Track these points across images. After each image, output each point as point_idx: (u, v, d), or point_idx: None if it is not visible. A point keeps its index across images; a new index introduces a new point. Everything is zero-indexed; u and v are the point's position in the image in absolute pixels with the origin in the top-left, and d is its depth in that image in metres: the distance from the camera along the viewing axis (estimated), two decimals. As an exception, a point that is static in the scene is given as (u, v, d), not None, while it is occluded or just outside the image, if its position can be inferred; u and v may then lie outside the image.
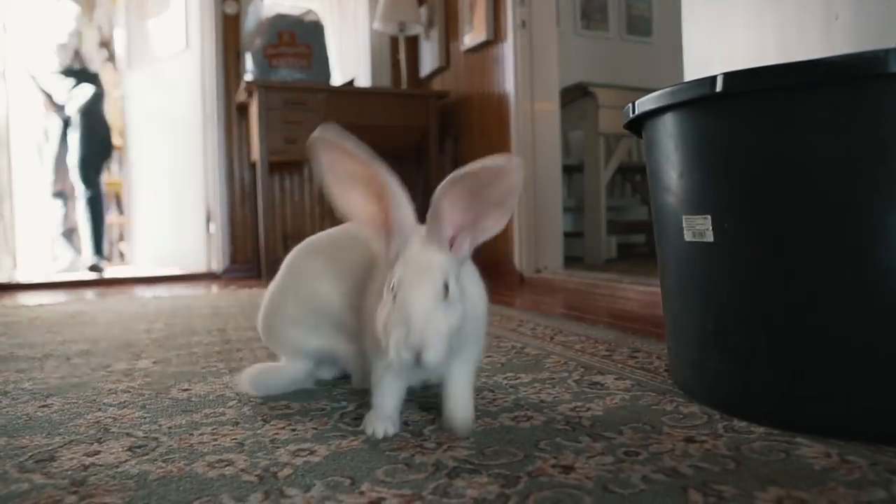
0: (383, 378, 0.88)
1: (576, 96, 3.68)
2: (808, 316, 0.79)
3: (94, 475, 0.74)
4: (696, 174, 0.90)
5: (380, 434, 0.85)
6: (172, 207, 4.07)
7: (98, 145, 3.97)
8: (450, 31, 3.82)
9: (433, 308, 0.75)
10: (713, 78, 0.82)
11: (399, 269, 0.78)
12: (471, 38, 3.48)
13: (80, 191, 3.94)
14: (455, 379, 0.89)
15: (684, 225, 0.92)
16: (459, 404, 0.88)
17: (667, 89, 0.90)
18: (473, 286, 0.89)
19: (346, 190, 0.82)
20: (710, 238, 0.88)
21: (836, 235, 0.76)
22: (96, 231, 3.95)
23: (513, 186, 0.77)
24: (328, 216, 4.15)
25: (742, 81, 0.81)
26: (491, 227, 0.81)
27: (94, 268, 3.88)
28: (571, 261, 3.42)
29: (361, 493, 0.67)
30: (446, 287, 0.77)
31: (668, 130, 0.95)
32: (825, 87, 0.75)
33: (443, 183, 0.76)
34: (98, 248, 3.96)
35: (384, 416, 0.87)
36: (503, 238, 3.32)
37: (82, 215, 3.96)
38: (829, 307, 0.78)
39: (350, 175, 0.81)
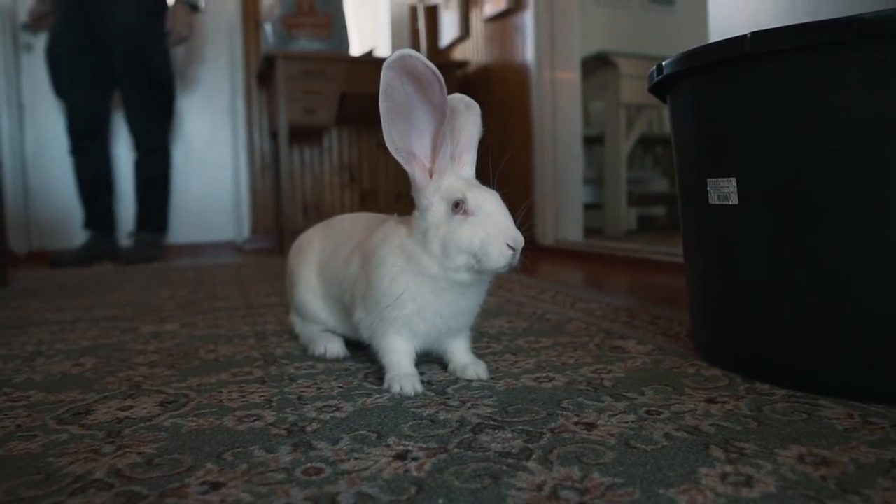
0: (395, 343, 0.91)
1: (597, 66, 3.64)
2: (832, 279, 0.79)
3: (129, 427, 0.76)
4: (721, 136, 0.89)
5: (409, 391, 0.86)
6: (198, 177, 4.10)
7: None
8: (470, 1, 3.78)
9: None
10: (741, 38, 0.81)
11: (467, 193, 0.84)
12: (491, 6, 3.44)
13: None
14: (459, 343, 0.98)
15: (709, 188, 0.91)
16: (471, 357, 0.97)
17: (692, 50, 0.89)
18: None
19: (399, 119, 0.84)
20: (734, 200, 0.87)
21: (864, 197, 0.76)
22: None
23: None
24: (347, 186, 4.16)
25: (770, 40, 0.79)
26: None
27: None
28: (591, 233, 3.41)
29: (388, 446, 0.68)
30: None
31: (693, 92, 0.94)
32: (856, 45, 0.74)
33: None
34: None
35: (408, 374, 0.89)
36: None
37: None
38: (853, 270, 0.77)
39: (408, 102, 0.83)
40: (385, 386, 0.89)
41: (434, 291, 0.87)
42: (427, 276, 0.86)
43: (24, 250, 3.65)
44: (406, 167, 0.86)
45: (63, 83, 3.18)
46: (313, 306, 1.10)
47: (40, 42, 3.69)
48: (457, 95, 0.91)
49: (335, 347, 1.08)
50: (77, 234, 3.80)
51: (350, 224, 1.09)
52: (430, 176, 0.86)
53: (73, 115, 3.22)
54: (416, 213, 0.88)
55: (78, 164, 3.30)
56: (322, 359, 1.07)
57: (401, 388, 0.87)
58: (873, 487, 0.56)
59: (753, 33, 0.80)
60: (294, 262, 1.15)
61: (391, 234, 0.91)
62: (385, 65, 0.79)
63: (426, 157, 0.86)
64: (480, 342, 1.17)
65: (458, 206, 0.83)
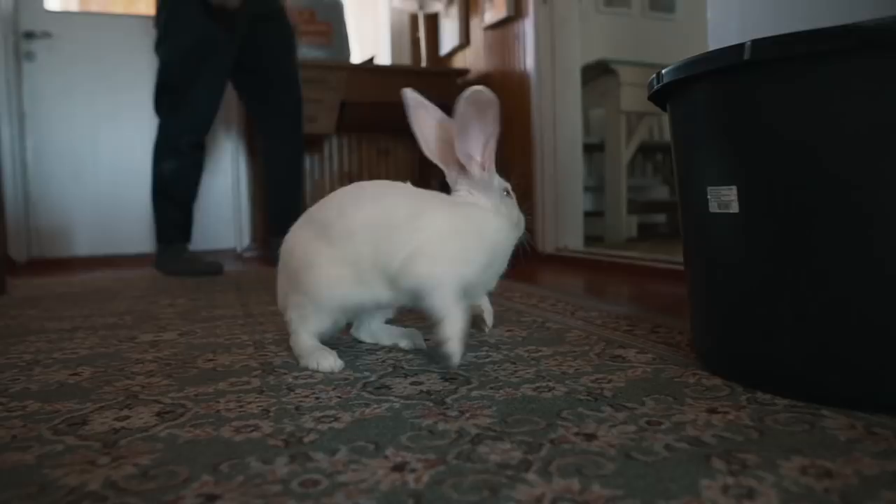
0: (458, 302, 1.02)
1: (597, 74, 3.64)
2: (834, 288, 0.78)
3: (125, 438, 0.76)
4: (721, 144, 0.89)
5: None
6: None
7: None
8: (470, 8, 3.79)
9: None
10: (741, 45, 0.81)
11: (501, 181, 1.12)
12: (491, 14, 3.45)
13: None
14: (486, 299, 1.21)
15: (709, 196, 0.91)
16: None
17: (692, 58, 0.89)
18: None
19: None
20: (735, 209, 0.87)
21: (865, 206, 0.75)
22: None
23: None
24: (348, 195, 4.16)
25: (770, 49, 0.79)
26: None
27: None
28: (591, 240, 3.40)
29: (386, 457, 0.68)
30: None
31: (693, 100, 0.94)
32: (858, 53, 0.74)
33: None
34: None
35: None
36: (523, 217, 3.31)
37: None
38: (856, 279, 0.77)
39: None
40: (450, 336, 0.99)
41: (500, 252, 1.11)
42: (501, 237, 1.10)
43: (24, 258, 3.65)
44: (467, 166, 1.07)
45: (196, 83, 2.74)
46: (342, 287, 1.05)
47: (41, 50, 3.70)
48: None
49: (329, 362, 1.05)
50: (77, 243, 3.81)
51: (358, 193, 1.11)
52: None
53: (195, 120, 2.81)
54: (464, 195, 1.10)
55: (183, 172, 2.85)
56: (316, 371, 1.05)
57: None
58: (877, 500, 0.56)
59: (753, 41, 0.80)
60: (308, 245, 1.08)
61: (470, 203, 1.09)
62: (463, 99, 1.00)
63: (481, 158, 1.08)
64: (480, 351, 1.16)
65: (507, 192, 1.13)
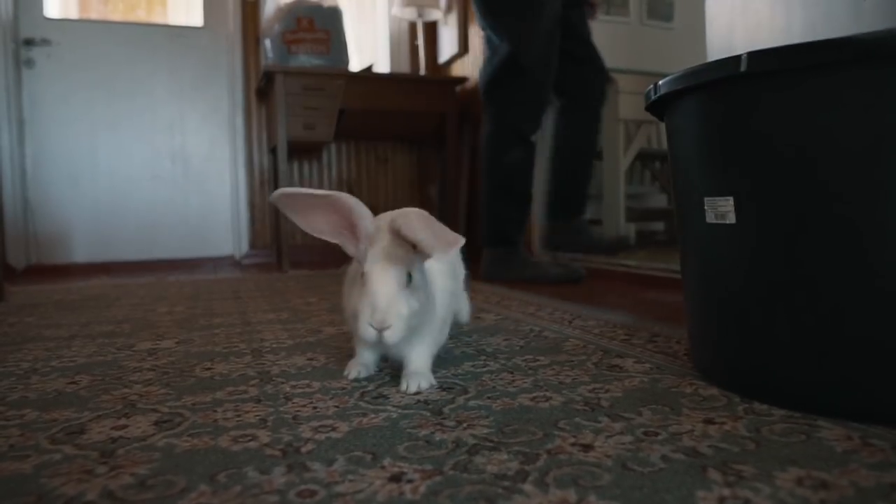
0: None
1: (595, 82, 3.65)
2: (831, 299, 0.79)
3: (123, 447, 0.76)
4: (718, 155, 0.90)
5: (352, 375, 1.05)
6: (197, 192, 4.10)
7: None
8: (469, 16, 3.80)
9: (395, 293, 0.91)
10: (737, 57, 0.82)
11: (368, 261, 0.93)
12: (490, 23, 3.46)
13: None
14: (414, 355, 1.01)
15: (706, 206, 0.91)
16: (413, 367, 1.01)
17: (689, 69, 0.90)
18: (442, 292, 1.06)
19: (314, 221, 0.97)
20: (732, 220, 0.87)
21: (862, 218, 0.76)
22: None
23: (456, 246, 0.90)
24: (346, 202, 4.16)
25: (767, 60, 0.80)
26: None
27: None
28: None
29: (383, 467, 0.68)
30: (410, 276, 0.93)
31: (690, 111, 0.94)
32: (853, 65, 0.74)
33: (411, 221, 0.89)
34: None
35: (360, 362, 1.07)
36: (521, 224, 3.31)
37: None
38: (852, 290, 0.77)
39: (314, 210, 0.97)
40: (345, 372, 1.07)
41: None
42: None
43: (23, 265, 3.64)
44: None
45: (547, 67, 2.56)
46: None
47: (41, 57, 3.71)
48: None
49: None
50: (75, 250, 3.80)
51: None
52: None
53: (539, 106, 2.61)
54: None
55: (528, 163, 2.61)
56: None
57: (348, 373, 1.07)
58: (873, 512, 0.56)
59: (750, 53, 0.80)
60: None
61: None
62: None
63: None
64: (477, 360, 1.16)
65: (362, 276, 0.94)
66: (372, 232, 0.95)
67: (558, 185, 2.83)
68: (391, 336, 0.90)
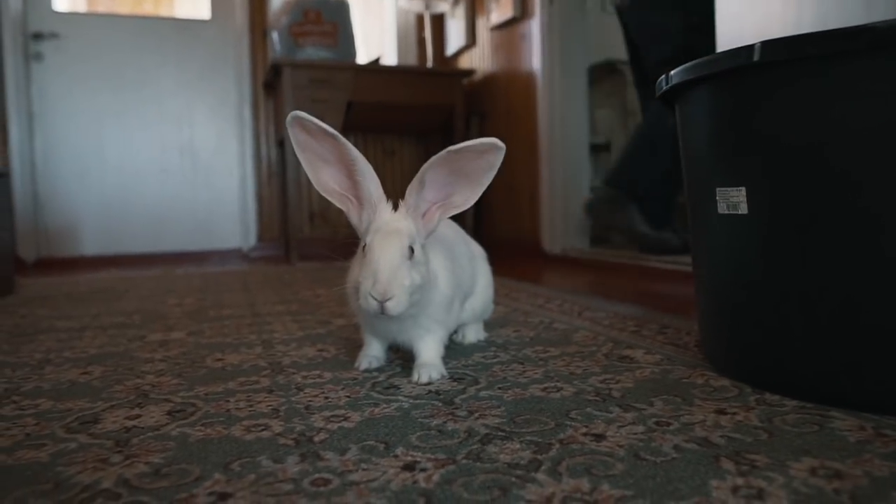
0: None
1: (604, 74, 3.64)
2: (843, 289, 0.78)
3: (137, 436, 0.76)
4: (730, 145, 0.89)
5: (363, 366, 1.05)
6: (205, 185, 4.11)
7: None
8: (476, 8, 3.79)
9: (398, 265, 0.89)
10: (750, 47, 0.81)
11: (371, 232, 0.92)
12: (497, 14, 3.45)
13: None
14: (424, 346, 1.02)
15: (718, 197, 0.91)
16: (424, 357, 1.01)
17: (702, 59, 0.89)
18: (444, 270, 1.02)
19: (319, 168, 0.96)
20: (744, 210, 0.87)
21: (875, 208, 0.75)
22: None
23: (493, 164, 0.91)
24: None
25: (780, 50, 0.79)
26: (461, 204, 0.95)
27: None
28: (597, 241, 3.40)
29: (396, 456, 0.68)
30: (412, 249, 0.91)
31: (702, 102, 0.94)
32: (867, 55, 0.74)
33: (435, 157, 0.88)
34: None
35: (370, 354, 1.07)
36: (529, 217, 3.31)
37: None
38: (865, 280, 0.77)
39: (322, 153, 0.94)
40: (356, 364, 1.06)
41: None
42: None
43: (33, 258, 3.67)
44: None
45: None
46: None
47: (49, 51, 3.72)
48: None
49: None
50: (84, 243, 3.82)
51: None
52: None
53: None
54: None
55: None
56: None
57: (358, 364, 1.06)
58: (888, 501, 0.56)
59: (763, 43, 0.80)
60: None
61: None
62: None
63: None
64: (488, 351, 1.16)
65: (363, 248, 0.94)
66: (375, 197, 0.94)
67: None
68: (394, 307, 0.88)
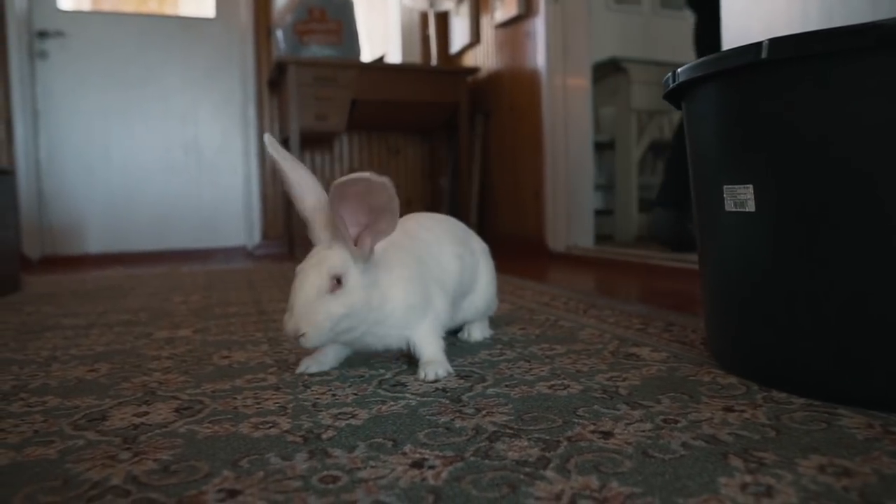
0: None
1: (608, 72, 3.63)
2: (852, 287, 0.78)
3: (145, 433, 0.76)
4: (738, 143, 0.89)
5: (300, 369, 1.04)
6: (209, 183, 4.12)
7: None
8: (480, 6, 3.79)
9: (312, 300, 0.91)
10: (758, 44, 0.81)
11: (303, 262, 0.95)
12: (502, 12, 3.45)
13: None
14: (422, 342, 1.02)
15: (725, 195, 0.91)
16: (428, 355, 1.01)
17: (709, 57, 0.89)
18: (401, 281, 1.00)
19: (294, 189, 1.03)
20: (751, 208, 0.87)
21: (884, 206, 0.75)
22: None
23: (390, 196, 0.88)
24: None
25: (788, 47, 0.79)
26: (385, 230, 0.93)
27: None
28: (602, 239, 3.39)
29: (404, 454, 0.68)
30: (339, 280, 0.92)
31: (710, 99, 0.94)
32: (875, 51, 0.73)
33: (331, 190, 0.87)
34: None
35: (318, 357, 1.06)
36: (534, 215, 3.31)
37: None
38: (874, 277, 0.76)
39: (296, 177, 1.03)
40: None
41: None
42: None
43: (38, 255, 3.68)
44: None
45: None
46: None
47: (54, 49, 3.73)
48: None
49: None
50: (89, 240, 3.83)
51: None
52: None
53: None
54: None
55: None
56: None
57: (306, 367, 1.04)
58: (897, 499, 0.56)
59: (770, 40, 0.80)
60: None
61: None
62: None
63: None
64: (494, 349, 1.16)
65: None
66: (310, 213, 0.98)
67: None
68: (305, 342, 0.91)
